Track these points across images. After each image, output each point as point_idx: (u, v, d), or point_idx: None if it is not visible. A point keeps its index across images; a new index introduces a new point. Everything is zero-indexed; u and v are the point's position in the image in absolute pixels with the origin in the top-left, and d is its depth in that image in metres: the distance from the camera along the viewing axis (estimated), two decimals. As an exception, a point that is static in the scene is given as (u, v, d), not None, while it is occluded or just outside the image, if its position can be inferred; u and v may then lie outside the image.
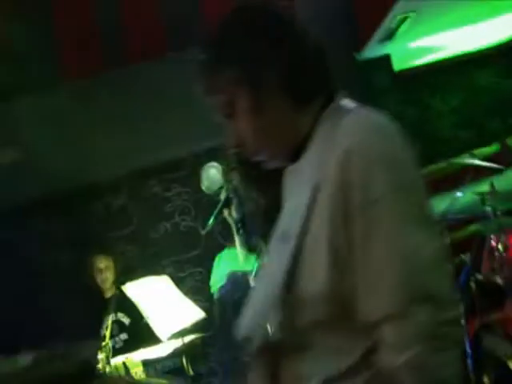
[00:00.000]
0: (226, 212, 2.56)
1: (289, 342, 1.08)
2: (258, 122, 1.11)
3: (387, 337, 0.97)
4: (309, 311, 1.03)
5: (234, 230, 3.10)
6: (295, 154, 1.14)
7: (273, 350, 1.08)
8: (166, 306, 3.36)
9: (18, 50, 4.31)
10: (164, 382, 3.21)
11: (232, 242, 3.86)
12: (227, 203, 2.50)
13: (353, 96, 1.20)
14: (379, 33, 4.35)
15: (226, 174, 4.74)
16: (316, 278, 1.01)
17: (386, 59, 4.90)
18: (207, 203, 4.74)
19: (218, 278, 3.40)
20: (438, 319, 0.94)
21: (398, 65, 4.84)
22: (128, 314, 3.77)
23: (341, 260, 0.99)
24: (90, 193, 4.56)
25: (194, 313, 3.32)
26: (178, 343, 3.23)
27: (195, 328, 3.24)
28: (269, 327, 1.10)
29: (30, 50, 4.36)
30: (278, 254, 1.09)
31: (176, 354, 3.28)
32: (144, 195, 4.78)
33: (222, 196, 3.02)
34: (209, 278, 4.02)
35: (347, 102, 1.14)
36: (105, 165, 4.44)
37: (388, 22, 3.97)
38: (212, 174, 4.69)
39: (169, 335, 3.14)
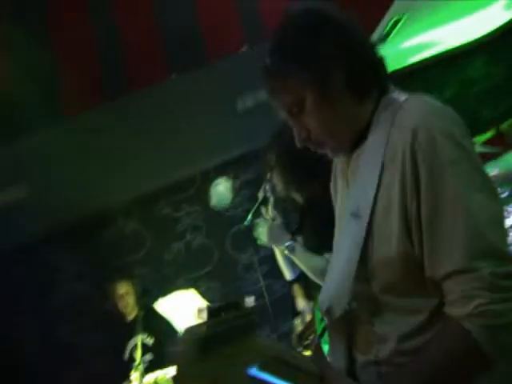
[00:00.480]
0: (263, 210, 2.65)
1: (365, 309, 1.19)
2: (327, 116, 1.23)
3: (454, 291, 1.05)
4: (383, 277, 1.15)
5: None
6: (355, 143, 1.26)
7: (350, 318, 1.19)
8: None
9: (19, 90, 4.41)
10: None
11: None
12: (265, 201, 2.59)
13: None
14: (373, 37, 4.45)
15: (233, 188, 4.84)
16: (390, 245, 1.13)
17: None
18: (217, 219, 4.83)
19: None
20: (501, 272, 1.03)
21: (391, 65, 4.92)
22: (151, 335, 3.82)
23: (411, 226, 1.10)
24: (101, 220, 4.62)
25: None
26: None
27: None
28: (347, 298, 1.19)
29: (31, 89, 4.47)
30: (350, 229, 1.21)
31: None
32: (155, 217, 4.83)
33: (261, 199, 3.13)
34: (223, 293, 4.13)
35: (398, 93, 1.25)
36: (114, 191, 4.52)
37: (382, 27, 4.07)
38: (220, 190, 4.78)
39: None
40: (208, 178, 4.87)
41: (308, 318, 3.71)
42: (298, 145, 1.29)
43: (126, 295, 4.00)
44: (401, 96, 1.23)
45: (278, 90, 1.24)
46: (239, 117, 4.89)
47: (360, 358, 1.20)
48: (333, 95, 1.21)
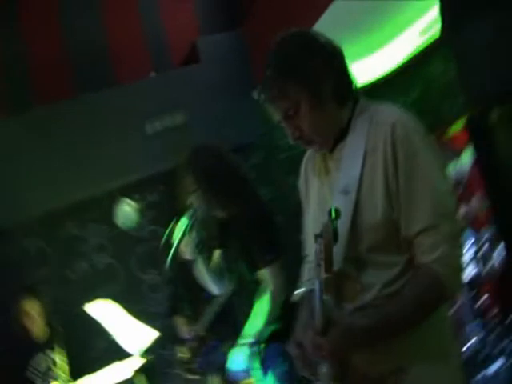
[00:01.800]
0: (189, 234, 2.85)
1: (353, 267, 1.49)
2: (317, 118, 1.55)
3: (423, 243, 1.43)
4: (369, 239, 1.47)
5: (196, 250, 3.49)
6: (336, 140, 1.59)
7: (341, 275, 1.46)
8: (126, 325, 3.57)
9: None
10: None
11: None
12: (191, 226, 2.79)
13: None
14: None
15: (139, 209, 4.99)
16: (375, 212, 1.47)
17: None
18: (123, 239, 4.95)
19: None
20: (456, 228, 1.45)
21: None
22: (59, 351, 3.85)
23: (392, 197, 1.47)
24: (5, 237, 4.57)
25: (150, 332, 3.53)
26: (132, 364, 3.43)
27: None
28: (340, 259, 1.46)
29: None
30: (342, 202, 1.50)
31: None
32: (60, 236, 4.86)
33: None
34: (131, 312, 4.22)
35: (367, 101, 1.62)
36: (19, 208, 4.49)
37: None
38: (126, 211, 4.92)
39: (140, 351, 3.37)
40: (114, 198, 4.97)
41: (194, 344, 3.96)
42: (291, 142, 1.61)
43: (32, 312, 3.99)
44: (370, 103, 1.61)
45: (277, 97, 1.55)
46: (147, 139, 5.04)
47: (348, 307, 1.49)
48: (322, 101, 1.54)
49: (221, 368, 3.93)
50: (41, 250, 4.80)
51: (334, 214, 1.44)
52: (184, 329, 4.02)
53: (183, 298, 4.16)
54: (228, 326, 3.95)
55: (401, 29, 4.81)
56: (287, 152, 5.40)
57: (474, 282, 3.75)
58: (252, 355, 2.61)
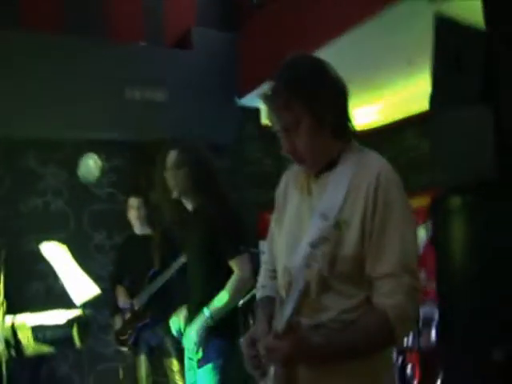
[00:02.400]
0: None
1: (316, 287, 1.56)
2: (313, 141, 1.63)
3: (383, 287, 1.53)
4: (337, 266, 1.54)
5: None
6: (324, 168, 1.68)
7: (306, 290, 1.53)
8: (75, 273, 3.62)
9: None
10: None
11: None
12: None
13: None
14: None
15: (102, 168, 5.08)
16: (348, 245, 1.55)
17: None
18: (80, 191, 5.00)
19: None
20: (414, 284, 1.54)
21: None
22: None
23: (365, 236, 1.55)
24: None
25: (93, 287, 3.64)
26: (69, 314, 3.54)
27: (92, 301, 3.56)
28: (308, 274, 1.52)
29: None
30: (319, 225, 1.56)
31: (66, 324, 3.54)
32: (20, 167, 4.85)
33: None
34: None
35: (357, 144, 1.72)
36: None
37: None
38: (89, 165, 4.99)
39: (82, 301, 3.43)
40: (80, 149, 5.01)
41: (128, 316, 4.17)
42: (283, 153, 1.68)
43: None
44: (361, 147, 1.71)
45: (282, 108, 1.61)
46: (124, 104, 5.08)
47: (304, 322, 1.56)
48: (322, 128, 1.62)
49: (151, 348, 4.19)
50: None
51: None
52: (122, 299, 4.23)
53: (127, 269, 4.35)
54: (166, 309, 4.20)
55: (386, 96, 5.35)
56: (253, 166, 5.74)
57: (404, 349, 4.13)
58: (203, 329, 2.73)
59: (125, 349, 4.25)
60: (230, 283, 2.77)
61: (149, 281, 4.15)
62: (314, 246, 1.49)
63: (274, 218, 1.88)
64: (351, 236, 1.55)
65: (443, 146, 2.45)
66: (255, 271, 2.28)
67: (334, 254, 1.50)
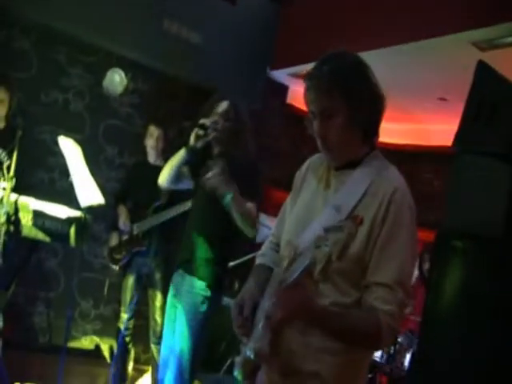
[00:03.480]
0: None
1: (323, 269, 1.55)
2: (344, 134, 1.70)
3: (379, 293, 1.60)
4: (341, 262, 1.54)
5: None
6: (346, 165, 1.75)
7: (310, 269, 1.54)
8: (85, 176, 3.58)
9: None
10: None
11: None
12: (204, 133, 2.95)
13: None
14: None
15: (126, 87, 5.03)
16: (354, 244, 1.58)
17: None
18: (100, 101, 4.95)
19: None
20: (406, 301, 1.63)
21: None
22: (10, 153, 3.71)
23: (370, 241, 1.63)
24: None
25: (100, 196, 3.58)
26: (71, 212, 3.53)
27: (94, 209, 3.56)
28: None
29: None
30: (331, 216, 1.64)
31: (66, 220, 3.53)
32: (49, 56, 4.78)
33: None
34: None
35: (380, 153, 1.79)
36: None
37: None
38: (115, 79, 4.95)
39: (87, 203, 3.41)
40: (110, 61, 4.95)
41: (125, 237, 4.21)
42: (315, 135, 1.72)
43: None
44: (383, 158, 1.77)
45: (324, 94, 1.66)
46: (161, 34, 4.98)
47: None
48: (354, 125, 1.68)
49: (140, 276, 4.24)
50: (27, 52, 4.66)
51: None
52: (123, 219, 4.27)
53: (134, 192, 4.36)
54: (163, 244, 4.25)
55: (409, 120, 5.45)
56: (269, 141, 5.74)
57: (374, 367, 4.21)
58: None
59: (115, 267, 4.29)
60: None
61: (152, 211, 4.19)
62: (327, 230, 1.51)
63: (289, 197, 1.95)
64: (359, 236, 1.60)
65: (458, 189, 2.46)
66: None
67: (345, 245, 1.49)
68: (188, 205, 3.85)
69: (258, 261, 1.97)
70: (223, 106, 3.01)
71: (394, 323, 1.59)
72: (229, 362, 4.48)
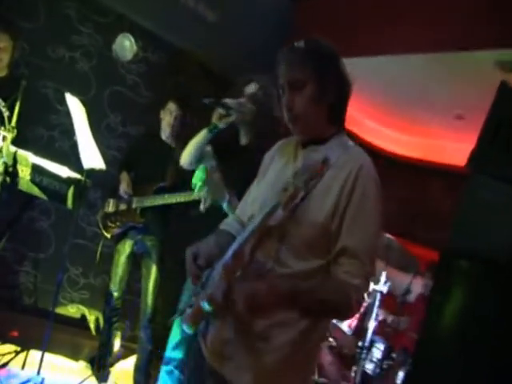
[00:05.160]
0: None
1: (291, 243, 1.70)
2: (310, 107, 1.77)
3: (348, 266, 1.67)
4: (304, 231, 1.68)
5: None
6: (312, 142, 1.83)
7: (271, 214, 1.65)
8: (89, 138, 3.48)
9: None
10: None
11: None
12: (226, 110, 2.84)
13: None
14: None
15: (137, 53, 4.88)
16: (320, 213, 1.68)
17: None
18: (109, 64, 4.79)
19: None
20: (372, 272, 1.73)
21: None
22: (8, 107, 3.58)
23: (337, 211, 1.69)
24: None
25: (101, 161, 3.51)
26: (71, 173, 3.40)
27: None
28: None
29: None
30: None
31: (66, 180, 3.39)
32: (59, 12, 4.63)
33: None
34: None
35: (347, 136, 1.87)
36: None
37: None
38: (125, 44, 4.80)
39: (89, 166, 3.29)
40: (123, 25, 4.81)
41: (123, 207, 4.02)
42: (283, 106, 1.81)
43: (2, 50, 3.65)
44: (350, 140, 1.86)
45: (296, 65, 1.77)
46: (178, 6, 4.93)
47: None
48: (320, 101, 1.77)
49: (133, 254, 4.04)
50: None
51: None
52: (124, 186, 4.05)
53: (140, 164, 4.17)
54: (160, 226, 4.05)
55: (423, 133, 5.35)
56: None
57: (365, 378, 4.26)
58: None
59: (106, 235, 4.10)
60: None
61: (155, 192, 4.00)
62: (297, 175, 1.64)
63: (256, 179, 2.00)
64: (325, 206, 1.69)
65: (468, 209, 2.44)
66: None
67: (314, 184, 1.62)
68: (192, 195, 3.68)
69: (221, 226, 2.00)
70: (251, 87, 2.94)
71: (360, 297, 1.69)
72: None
